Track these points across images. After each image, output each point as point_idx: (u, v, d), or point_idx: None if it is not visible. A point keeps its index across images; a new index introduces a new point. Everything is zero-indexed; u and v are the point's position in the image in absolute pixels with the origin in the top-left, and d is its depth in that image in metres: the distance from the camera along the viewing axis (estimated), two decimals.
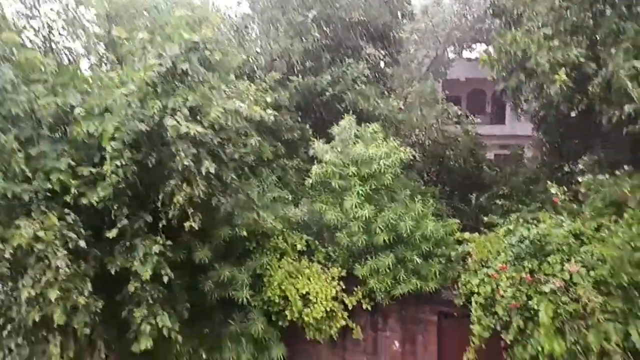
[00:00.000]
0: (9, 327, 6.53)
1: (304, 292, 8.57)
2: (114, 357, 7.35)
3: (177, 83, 7.14)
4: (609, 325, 6.43)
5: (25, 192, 6.24)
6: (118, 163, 6.55)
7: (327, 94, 11.49)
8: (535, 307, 6.79)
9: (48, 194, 6.52)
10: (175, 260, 7.56)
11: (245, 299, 8.31)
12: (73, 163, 6.68)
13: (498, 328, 7.29)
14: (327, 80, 11.43)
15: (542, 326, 6.70)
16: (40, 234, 5.97)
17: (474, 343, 7.36)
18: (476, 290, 7.51)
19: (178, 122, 6.48)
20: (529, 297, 6.93)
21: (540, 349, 6.71)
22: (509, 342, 7.19)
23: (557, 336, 6.67)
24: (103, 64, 8.99)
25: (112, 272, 6.76)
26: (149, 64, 6.65)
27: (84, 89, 7.24)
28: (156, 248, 6.76)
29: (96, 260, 6.78)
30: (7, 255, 5.93)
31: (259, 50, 12.64)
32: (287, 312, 8.62)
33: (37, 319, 6.10)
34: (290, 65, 12.12)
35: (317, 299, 8.54)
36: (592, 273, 6.73)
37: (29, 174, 6.27)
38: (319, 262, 9.04)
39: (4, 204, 6.23)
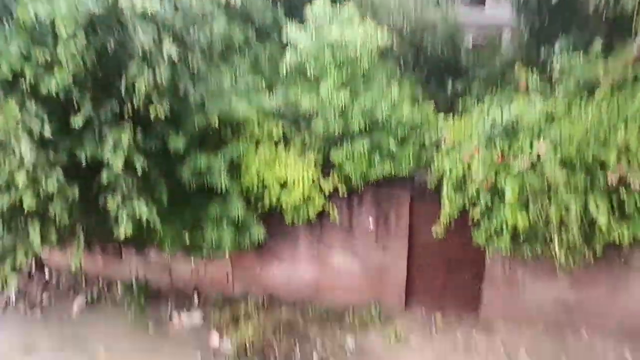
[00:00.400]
0: None
1: (282, 179, 8.63)
2: (97, 243, 7.47)
3: None
4: (570, 198, 6.73)
5: None
6: (73, 48, 6.00)
7: None
8: (503, 186, 7.02)
9: (6, 81, 6.03)
10: (150, 150, 7.36)
11: (223, 186, 8.30)
12: (23, 49, 6.08)
13: (466, 206, 7.59)
14: None
15: (507, 203, 6.99)
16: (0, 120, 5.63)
17: (442, 219, 7.71)
18: (448, 172, 7.67)
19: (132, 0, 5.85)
20: (498, 176, 7.12)
21: (505, 222, 7.07)
22: (476, 219, 7.56)
23: (521, 210, 7.00)
24: None
25: (83, 161, 6.55)
26: None
27: None
28: (125, 137, 6.50)
29: (66, 150, 6.52)
30: None
31: None
32: (265, 198, 8.74)
33: (6, 206, 6.00)
34: None
35: (294, 185, 8.63)
36: (559, 151, 6.87)
37: None
38: (295, 149, 8.97)
39: None
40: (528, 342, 8.82)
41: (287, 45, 8.69)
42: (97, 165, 6.78)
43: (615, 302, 8.48)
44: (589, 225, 6.93)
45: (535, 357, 8.58)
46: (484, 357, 8.74)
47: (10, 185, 5.91)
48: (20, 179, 5.74)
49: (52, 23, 6.09)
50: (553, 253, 7.19)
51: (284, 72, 8.71)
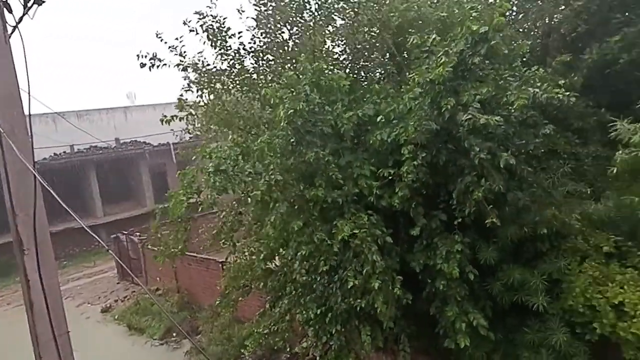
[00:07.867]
0: (329, 315, 7.75)
1: (617, 302, 7.61)
2: (418, 353, 7.87)
3: (463, 79, 7.30)
4: None
5: (339, 197, 7.40)
6: (415, 163, 7.06)
7: (620, 61, 9.87)
8: None
9: (355, 197, 7.52)
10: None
11: (541, 306, 7.85)
12: (373, 169, 7.52)
13: None
14: (617, 45, 9.80)
15: None
16: (356, 231, 6.91)
17: None
18: None
19: (474, 115, 6.60)
20: None
21: None
22: None
23: None
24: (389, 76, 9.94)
25: (417, 269, 7.30)
26: (440, 62, 6.96)
27: (375, 101, 8.15)
28: (458, 247, 7.01)
29: (398, 257, 7.44)
30: (335, 249, 7.10)
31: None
32: (595, 325, 7.79)
33: (361, 306, 7.05)
34: (564, 39, 10.97)
35: (635, 311, 7.47)
36: None
37: (341, 181, 7.37)
38: (634, 268, 7.89)
39: (325, 207, 7.46)
40: None
41: (615, 144, 8.12)
42: (422, 272, 7.45)
43: None
44: None
45: None
46: None
47: (361, 288, 7.03)
48: (375, 284, 6.74)
49: (394, 143, 7.41)
50: None
51: (614, 174, 8.07)
